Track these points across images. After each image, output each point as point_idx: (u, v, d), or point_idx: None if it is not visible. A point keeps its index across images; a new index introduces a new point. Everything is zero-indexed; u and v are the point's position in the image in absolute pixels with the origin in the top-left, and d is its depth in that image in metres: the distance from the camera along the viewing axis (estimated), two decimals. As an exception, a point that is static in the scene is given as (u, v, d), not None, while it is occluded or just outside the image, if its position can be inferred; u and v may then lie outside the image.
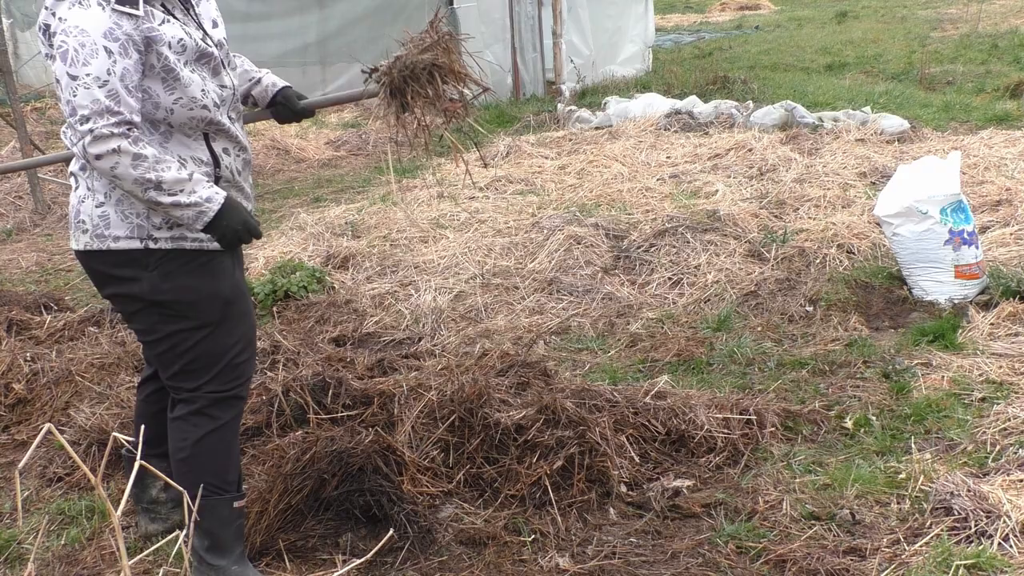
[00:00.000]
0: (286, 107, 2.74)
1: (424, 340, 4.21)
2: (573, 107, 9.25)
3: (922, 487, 2.85)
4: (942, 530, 2.64)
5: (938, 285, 4.30)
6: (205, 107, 2.36)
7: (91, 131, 2.16)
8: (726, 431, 3.19)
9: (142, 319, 2.47)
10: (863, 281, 4.60)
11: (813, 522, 2.76)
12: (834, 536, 2.70)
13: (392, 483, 2.79)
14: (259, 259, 5.29)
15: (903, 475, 2.95)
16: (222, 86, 2.44)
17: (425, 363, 3.83)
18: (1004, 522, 2.62)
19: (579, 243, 5.20)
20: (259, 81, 2.72)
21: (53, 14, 2.24)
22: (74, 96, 2.16)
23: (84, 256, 2.44)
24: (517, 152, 7.54)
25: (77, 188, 2.43)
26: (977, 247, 4.31)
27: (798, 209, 5.64)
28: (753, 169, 6.52)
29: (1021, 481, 2.82)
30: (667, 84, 10.52)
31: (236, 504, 2.57)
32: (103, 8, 2.18)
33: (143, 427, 2.35)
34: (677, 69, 11.75)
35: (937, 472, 2.92)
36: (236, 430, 2.61)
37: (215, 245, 2.41)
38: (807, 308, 4.36)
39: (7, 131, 8.05)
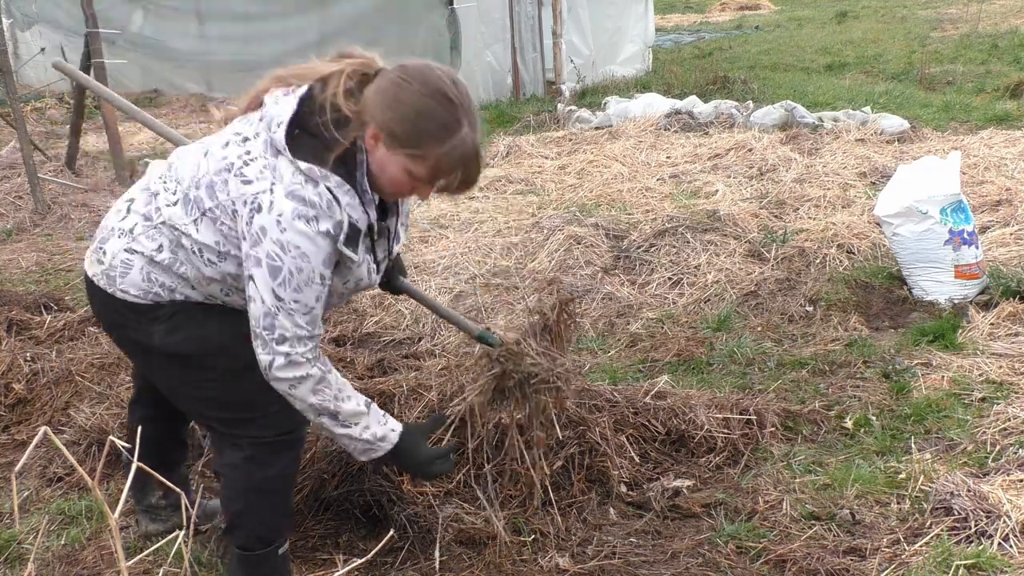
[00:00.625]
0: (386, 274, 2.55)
1: (424, 340, 4.21)
2: (573, 107, 9.25)
3: (922, 487, 2.85)
4: (942, 530, 2.64)
5: (938, 285, 4.30)
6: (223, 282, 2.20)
7: (287, 355, 2.06)
8: (726, 431, 3.19)
9: (161, 371, 2.32)
10: (863, 281, 4.60)
11: (813, 522, 2.76)
12: (834, 536, 2.70)
13: (392, 483, 2.79)
14: (259, 259, 5.28)
15: (903, 475, 2.95)
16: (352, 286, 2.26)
17: (425, 363, 3.83)
18: (1004, 522, 2.62)
19: (579, 243, 5.20)
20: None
21: (270, 196, 2.00)
22: (276, 315, 2.03)
23: (88, 285, 2.30)
24: (517, 152, 7.55)
25: (122, 219, 2.23)
26: (977, 247, 4.31)
27: (798, 209, 5.64)
28: (753, 169, 6.53)
29: (1021, 481, 2.82)
30: (667, 84, 10.52)
31: (280, 551, 2.41)
32: (328, 239, 2.02)
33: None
34: (677, 69, 11.75)
35: (937, 472, 2.92)
36: (291, 477, 2.41)
37: (229, 299, 2.25)
38: (807, 308, 4.36)
39: (7, 131, 8.05)
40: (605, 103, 9.16)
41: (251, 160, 2.05)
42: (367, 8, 10.44)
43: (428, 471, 2.33)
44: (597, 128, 8.44)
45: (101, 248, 2.24)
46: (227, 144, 2.11)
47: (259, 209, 2.00)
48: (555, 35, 10.91)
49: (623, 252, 5.14)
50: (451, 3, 10.02)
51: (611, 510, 2.89)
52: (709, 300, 4.56)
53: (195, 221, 2.10)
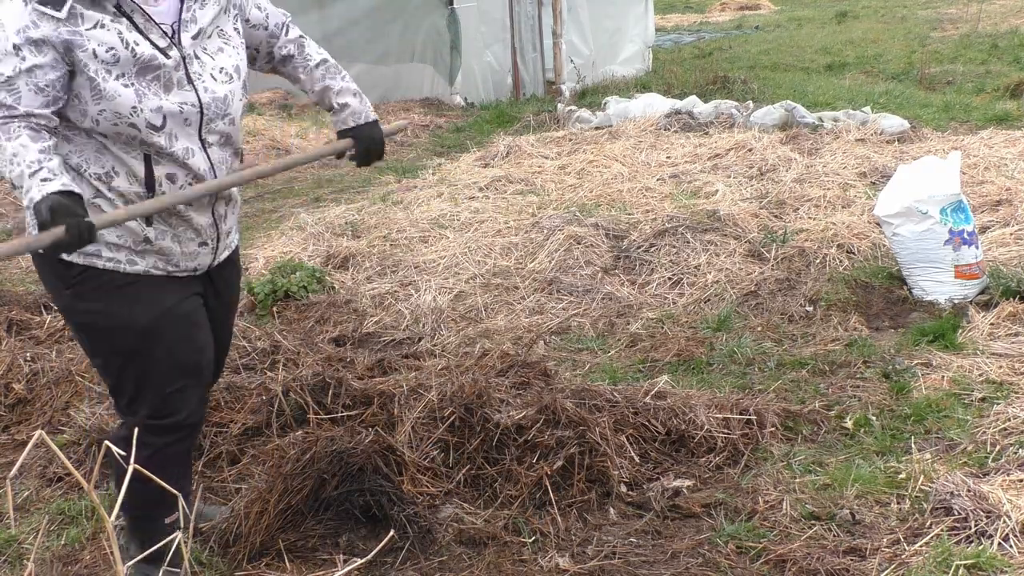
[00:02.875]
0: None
1: (424, 340, 4.21)
2: (573, 107, 9.25)
3: (922, 487, 2.85)
4: (942, 530, 2.64)
5: (938, 285, 4.30)
6: (133, 126, 2.19)
7: None
8: (726, 431, 3.19)
9: (73, 332, 2.45)
10: (863, 281, 4.60)
11: (813, 522, 2.76)
12: (834, 536, 2.69)
13: (392, 483, 2.79)
14: (259, 259, 5.29)
15: (903, 475, 2.95)
16: (180, 103, 2.24)
17: (425, 363, 3.83)
18: (1004, 522, 2.62)
19: (579, 243, 5.20)
20: (331, 89, 2.64)
21: None
22: None
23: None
24: (517, 152, 7.54)
25: None
26: (977, 247, 4.31)
27: (798, 209, 5.64)
28: (753, 169, 6.52)
29: (1021, 481, 2.82)
30: (667, 84, 10.52)
31: (167, 520, 2.49)
32: (25, 4, 2.08)
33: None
34: (677, 69, 11.75)
35: (937, 472, 2.92)
36: (178, 454, 2.48)
37: (136, 269, 2.30)
38: (807, 308, 4.35)
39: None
40: (605, 103, 9.16)
41: None
42: (367, 8, 10.45)
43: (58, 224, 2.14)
44: (597, 128, 8.44)
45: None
46: None
47: None
48: (555, 35, 10.91)
49: (623, 252, 5.14)
50: (451, 3, 10.02)
51: (611, 510, 2.89)
52: (709, 300, 4.56)
53: None
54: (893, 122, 7.52)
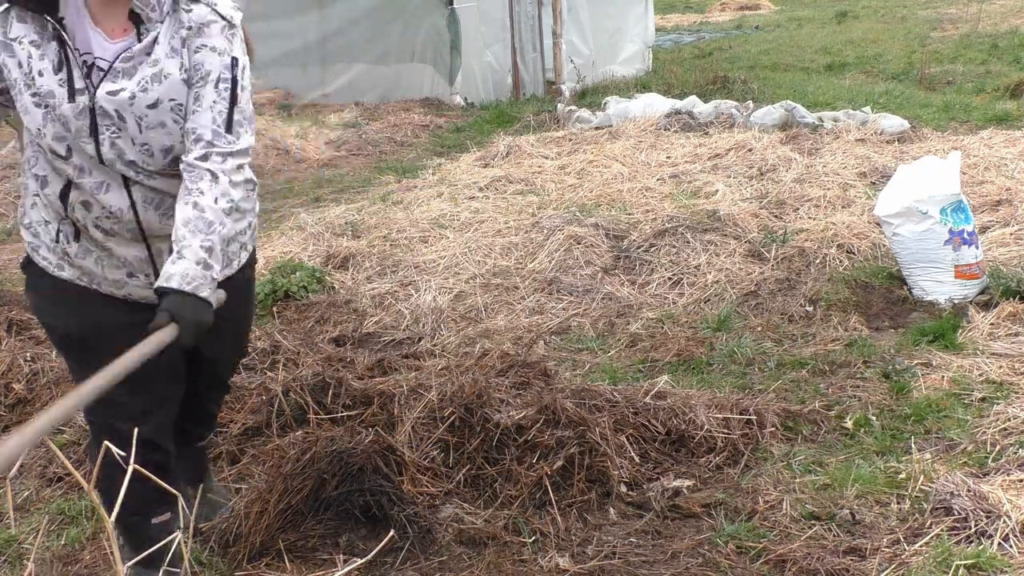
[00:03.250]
0: None
1: (424, 340, 4.21)
2: (573, 107, 9.25)
3: (922, 487, 2.85)
4: (942, 530, 2.64)
5: (938, 285, 4.30)
6: (39, 147, 2.13)
7: None
8: (726, 431, 3.19)
9: None
10: (863, 281, 4.60)
11: (813, 522, 2.76)
12: (834, 536, 2.69)
13: (392, 483, 2.79)
14: (259, 259, 5.28)
15: (903, 475, 2.95)
16: (65, 124, 2.09)
17: (425, 363, 3.83)
18: (1004, 522, 2.62)
19: (579, 243, 5.20)
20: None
21: None
22: None
23: None
24: (517, 152, 7.54)
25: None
26: (977, 247, 4.31)
27: (798, 209, 5.64)
28: (753, 169, 6.52)
29: (1021, 481, 2.82)
30: (667, 84, 10.52)
31: (154, 521, 2.43)
32: None
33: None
34: (677, 69, 11.76)
35: (937, 472, 2.92)
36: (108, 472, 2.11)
37: (62, 274, 2.24)
38: (807, 308, 4.35)
39: (7, 131, 8.04)
40: (605, 103, 9.16)
41: None
42: (367, 8, 10.45)
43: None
44: (597, 128, 8.44)
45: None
46: None
47: None
48: (555, 35, 10.92)
49: (623, 252, 5.14)
50: (451, 3, 10.02)
51: (611, 510, 2.89)
52: (709, 300, 4.56)
53: None
54: (893, 122, 7.52)
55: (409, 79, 10.44)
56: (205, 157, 2.11)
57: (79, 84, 2.06)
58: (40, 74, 2.04)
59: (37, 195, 2.23)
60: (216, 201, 2.10)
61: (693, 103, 8.56)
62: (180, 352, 2.20)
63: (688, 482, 2.99)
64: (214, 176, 2.11)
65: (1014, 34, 13.17)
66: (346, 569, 2.08)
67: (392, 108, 10.02)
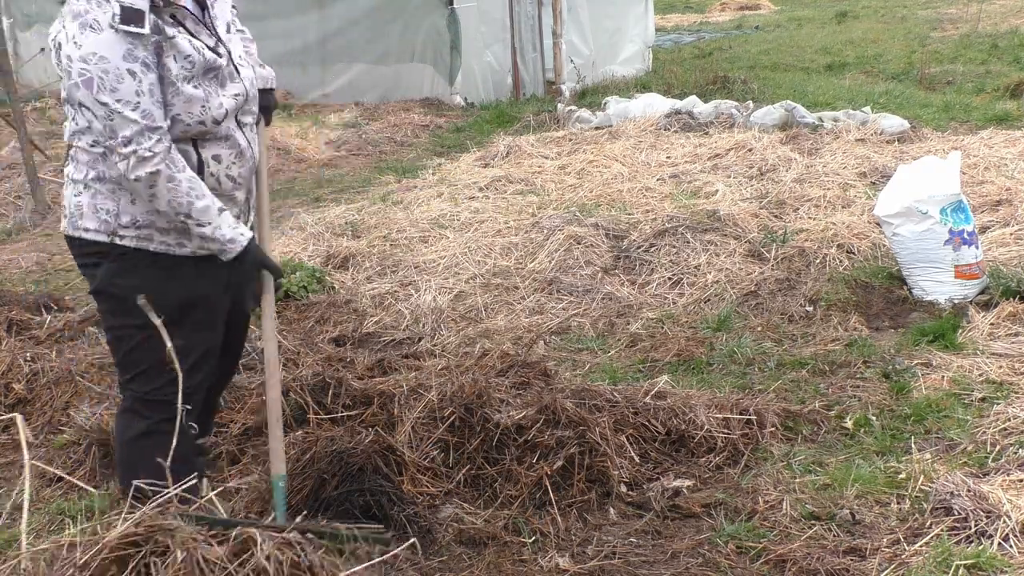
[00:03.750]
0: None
1: (424, 340, 4.21)
2: (573, 107, 9.25)
3: (922, 487, 2.85)
4: (942, 530, 2.64)
5: (938, 285, 4.30)
6: (202, 122, 2.37)
7: (135, 152, 2.24)
8: (726, 431, 3.19)
9: (99, 306, 2.56)
10: (863, 281, 4.60)
11: (813, 522, 2.76)
12: (834, 536, 2.69)
13: (392, 483, 2.79)
14: (259, 259, 5.28)
15: (903, 475, 2.95)
16: (234, 95, 2.45)
17: (425, 363, 3.83)
18: (1004, 522, 2.62)
19: (579, 243, 5.20)
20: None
21: (63, 28, 2.24)
22: (111, 120, 2.22)
23: (65, 238, 2.52)
24: (517, 152, 7.54)
25: (69, 172, 2.48)
26: (977, 247, 4.31)
27: (798, 209, 5.64)
28: (753, 169, 6.53)
29: (1021, 481, 2.82)
30: (667, 84, 10.52)
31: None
32: (115, 31, 2.19)
33: None
34: (677, 69, 11.76)
35: (937, 472, 2.92)
36: (161, 440, 2.39)
37: (185, 251, 2.44)
38: (807, 308, 4.35)
39: (7, 131, 8.04)
40: (605, 103, 9.16)
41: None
42: (367, 8, 10.45)
43: (272, 266, 2.55)
44: (597, 128, 8.44)
45: (63, 204, 2.49)
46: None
47: (59, 46, 2.25)
48: (555, 35, 10.92)
49: (623, 252, 5.14)
50: (451, 3, 10.02)
51: (611, 510, 2.89)
52: (709, 300, 4.56)
53: (74, 117, 2.35)
54: (893, 122, 7.52)
55: (409, 79, 10.44)
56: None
57: (211, 42, 2.40)
58: (202, 49, 2.34)
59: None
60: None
61: (693, 103, 8.56)
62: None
63: (688, 482, 2.99)
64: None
65: (1014, 34, 13.17)
66: (349, 571, 2.07)
67: (392, 108, 10.02)
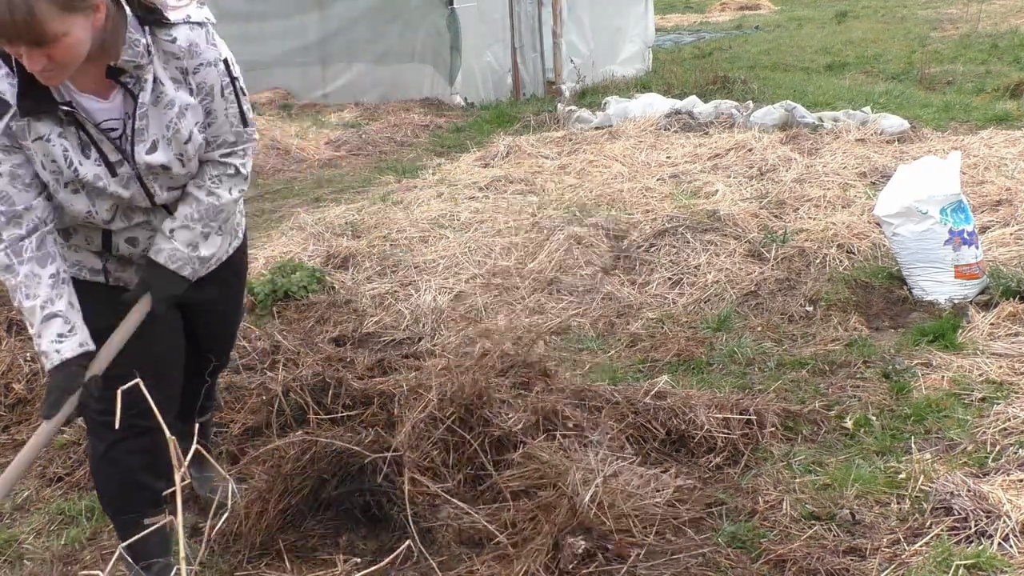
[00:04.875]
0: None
1: (424, 340, 4.21)
2: (573, 107, 9.25)
3: (922, 487, 2.85)
4: (942, 530, 2.64)
5: (938, 285, 4.30)
6: (90, 223, 2.21)
7: None
8: (726, 431, 3.19)
9: None
10: (863, 281, 4.60)
11: (813, 522, 2.76)
12: (834, 536, 2.69)
13: (392, 483, 2.79)
14: (259, 259, 5.29)
15: (903, 475, 2.95)
16: (133, 195, 2.20)
17: (425, 363, 3.83)
18: (1004, 522, 2.62)
19: (579, 243, 5.20)
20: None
21: None
22: None
23: None
24: (517, 152, 7.54)
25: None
26: (977, 247, 4.31)
27: (798, 209, 5.64)
28: (753, 169, 6.52)
29: (1021, 481, 2.82)
30: (667, 84, 10.52)
31: (146, 520, 2.36)
32: None
33: None
34: (677, 69, 11.75)
35: (937, 472, 2.92)
36: (132, 451, 2.36)
37: (96, 278, 2.32)
38: (807, 308, 4.35)
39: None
40: (605, 103, 9.16)
41: None
42: (367, 8, 10.45)
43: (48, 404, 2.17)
44: (597, 128, 8.43)
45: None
46: None
47: None
48: (555, 35, 10.92)
49: (623, 252, 5.14)
50: (451, 3, 10.02)
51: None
52: (709, 300, 4.56)
53: None
54: (893, 122, 7.51)
55: (409, 79, 10.44)
56: (230, 154, 2.32)
57: (114, 157, 2.13)
58: (81, 164, 2.09)
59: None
60: (230, 191, 2.33)
61: (693, 103, 8.56)
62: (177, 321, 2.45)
63: (688, 482, 2.98)
64: (236, 170, 2.33)
65: (1014, 34, 13.17)
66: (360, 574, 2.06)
67: (392, 108, 10.02)
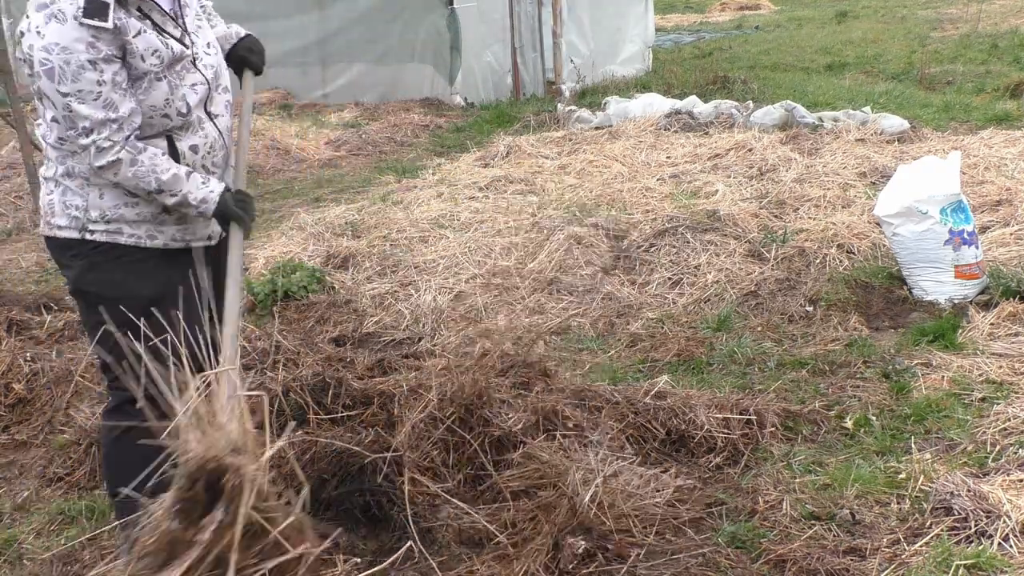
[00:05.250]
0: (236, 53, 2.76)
1: (424, 340, 4.21)
2: (573, 107, 9.25)
3: (922, 487, 2.85)
4: (942, 530, 2.64)
5: (938, 285, 4.30)
6: (167, 116, 2.39)
7: (94, 143, 2.26)
8: (726, 431, 3.19)
9: (78, 305, 2.55)
10: (863, 281, 4.60)
11: (813, 522, 2.76)
12: (834, 536, 2.69)
13: (392, 483, 2.79)
14: (259, 259, 5.29)
15: (903, 475, 2.95)
16: (194, 85, 2.45)
17: (425, 363, 3.83)
18: (1004, 522, 2.62)
19: (579, 243, 5.20)
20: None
21: (27, 19, 2.25)
22: (69, 112, 2.24)
23: (44, 240, 2.51)
24: (517, 152, 7.54)
25: (43, 171, 2.49)
26: (977, 247, 4.31)
27: (798, 209, 5.64)
28: (753, 169, 6.52)
29: (1021, 481, 2.82)
30: (667, 84, 10.52)
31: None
32: (79, 23, 2.19)
33: None
34: (677, 69, 11.75)
35: (937, 472, 2.92)
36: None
37: (156, 243, 2.46)
38: (807, 308, 4.35)
39: (7, 131, 8.05)
40: (605, 103, 9.16)
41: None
42: (367, 8, 10.45)
43: (244, 215, 2.49)
44: (597, 128, 8.43)
45: (40, 205, 2.49)
46: None
47: (23, 34, 2.25)
48: (555, 35, 10.91)
49: (623, 252, 5.14)
50: (451, 3, 10.02)
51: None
52: (709, 300, 4.56)
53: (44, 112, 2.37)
54: (893, 122, 7.51)
55: (409, 79, 10.44)
56: None
57: (178, 33, 2.40)
58: (168, 43, 2.35)
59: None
60: None
61: (693, 103, 8.56)
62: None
63: (688, 482, 2.98)
64: None
65: (1014, 34, 13.17)
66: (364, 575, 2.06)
67: (392, 108, 10.02)
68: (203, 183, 2.42)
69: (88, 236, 2.40)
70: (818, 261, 4.84)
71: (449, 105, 10.19)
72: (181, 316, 2.47)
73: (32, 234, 6.36)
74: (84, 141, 2.26)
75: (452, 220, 5.84)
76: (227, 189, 2.48)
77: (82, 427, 3.38)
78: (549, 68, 11.23)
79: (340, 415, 3.23)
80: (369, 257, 5.22)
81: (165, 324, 2.40)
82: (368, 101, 10.37)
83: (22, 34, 2.27)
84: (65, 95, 2.22)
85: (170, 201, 2.37)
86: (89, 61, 2.21)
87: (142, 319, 2.37)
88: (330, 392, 3.31)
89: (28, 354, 3.84)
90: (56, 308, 4.53)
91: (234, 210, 2.45)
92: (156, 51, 2.32)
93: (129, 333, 2.35)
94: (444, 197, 6.39)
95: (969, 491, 2.73)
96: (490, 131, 8.94)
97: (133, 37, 2.28)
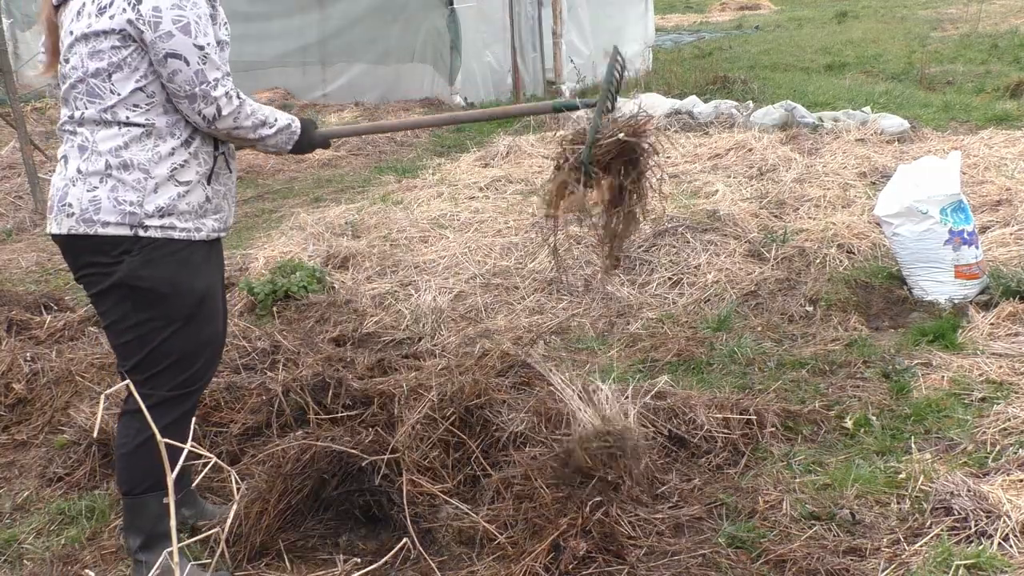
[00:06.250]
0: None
1: (424, 340, 4.21)
2: (573, 107, 9.23)
3: (922, 487, 2.85)
4: (942, 530, 2.64)
5: (938, 285, 4.30)
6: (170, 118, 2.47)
7: (226, 93, 2.36)
8: (726, 431, 3.19)
9: (114, 304, 2.44)
10: (863, 281, 4.60)
11: (813, 522, 2.76)
12: (834, 536, 2.69)
13: (392, 483, 2.79)
14: (259, 259, 5.29)
15: (903, 475, 2.95)
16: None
17: (425, 363, 3.83)
18: (1004, 522, 2.62)
19: (579, 243, 5.19)
20: None
21: None
22: (203, 64, 2.32)
23: (66, 240, 2.42)
24: (517, 152, 7.54)
25: (66, 171, 2.40)
26: (977, 247, 4.31)
27: (798, 209, 5.64)
28: (753, 169, 6.52)
29: (1021, 481, 2.82)
30: (667, 84, 10.51)
31: (164, 500, 2.48)
32: None
33: None
34: (677, 69, 11.75)
35: (937, 472, 2.92)
36: (184, 430, 2.42)
37: (201, 236, 2.47)
38: (807, 308, 4.35)
39: (7, 131, 8.05)
40: (605, 103, 9.14)
41: None
42: (367, 8, 10.45)
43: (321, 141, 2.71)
44: (597, 128, 8.41)
45: (64, 204, 2.39)
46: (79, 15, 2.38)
47: (135, 1, 2.29)
48: (555, 35, 10.91)
49: (623, 252, 5.13)
50: (451, 3, 10.01)
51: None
52: (709, 300, 4.56)
53: (104, 89, 2.35)
54: (893, 122, 7.51)
55: (409, 79, 10.44)
56: None
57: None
58: (226, 25, 2.49)
59: (175, 169, 2.41)
60: None
61: (693, 103, 8.56)
62: None
63: (687, 481, 2.98)
64: None
65: (1014, 34, 13.17)
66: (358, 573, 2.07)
67: (392, 108, 10.02)
68: (285, 114, 2.59)
69: (142, 233, 2.36)
70: (818, 261, 4.84)
71: (449, 105, 10.19)
72: (216, 315, 2.59)
73: (33, 234, 6.36)
74: (216, 92, 2.34)
75: (452, 220, 5.84)
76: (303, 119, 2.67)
77: (82, 427, 3.37)
78: (549, 68, 11.23)
79: (340, 415, 3.23)
80: (369, 257, 5.22)
81: (207, 321, 2.53)
82: (368, 101, 10.37)
83: (109, 3, 2.30)
84: (201, 48, 2.31)
85: (269, 132, 2.48)
86: (210, 15, 2.36)
87: (195, 312, 2.48)
88: (330, 392, 3.31)
89: (28, 354, 3.84)
90: (56, 308, 4.53)
91: (307, 132, 2.62)
92: (226, 23, 2.47)
93: (183, 329, 2.48)
94: (444, 197, 6.39)
95: (969, 491, 2.73)
96: (490, 131, 8.94)
97: (219, 5, 2.45)
